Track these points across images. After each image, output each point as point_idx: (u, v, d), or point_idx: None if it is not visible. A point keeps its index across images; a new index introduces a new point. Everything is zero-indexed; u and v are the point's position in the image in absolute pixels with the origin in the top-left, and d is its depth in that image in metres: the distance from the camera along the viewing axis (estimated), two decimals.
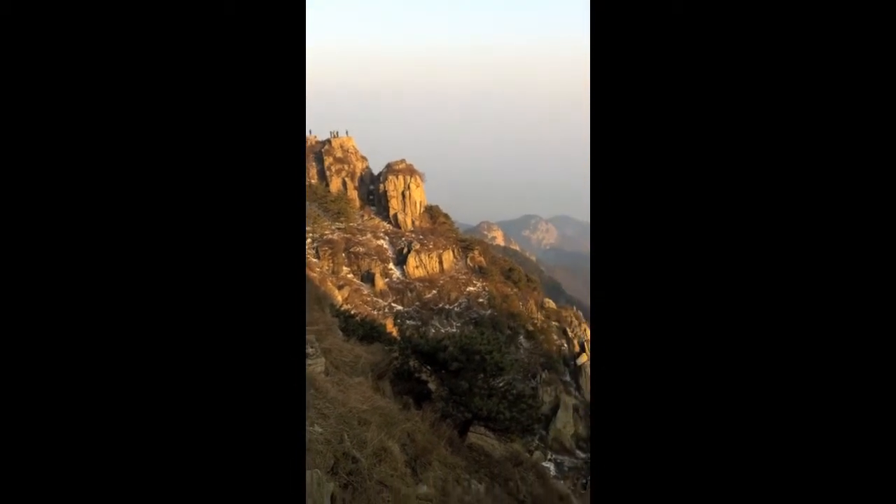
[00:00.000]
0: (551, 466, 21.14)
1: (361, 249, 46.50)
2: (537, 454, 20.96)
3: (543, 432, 25.65)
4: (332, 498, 3.44)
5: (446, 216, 55.27)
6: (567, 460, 24.66)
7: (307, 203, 44.13)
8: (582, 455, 25.54)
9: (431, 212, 54.07)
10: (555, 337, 41.30)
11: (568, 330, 42.07)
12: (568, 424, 27.65)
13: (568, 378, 36.29)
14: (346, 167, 53.04)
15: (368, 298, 41.93)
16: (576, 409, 29.06)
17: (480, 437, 8.74)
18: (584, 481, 22.08)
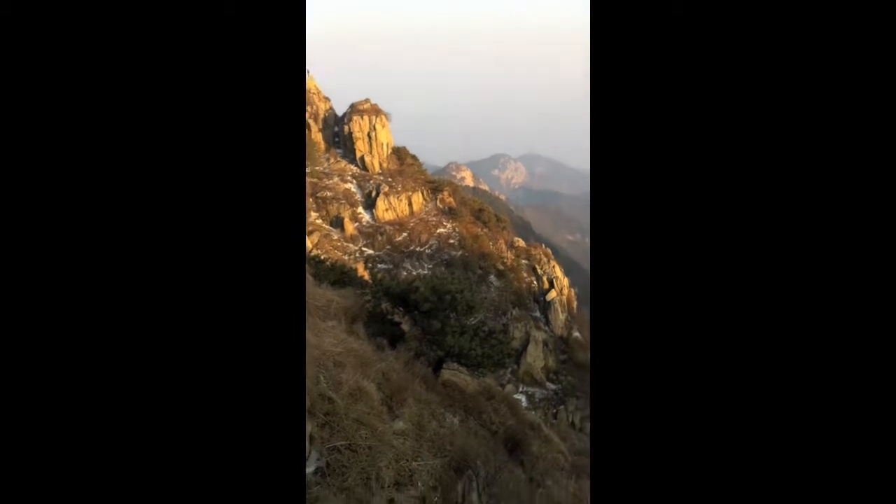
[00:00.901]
0: (523, 398, 21.97)
1: (329, 194, 45.85)
2: (509, 387, 21.74)
3: (515, 366, 26.50)
4: (311, 437, 3.54)
5: (414, 158, 54.54)
6: (538, 392, 25.63)
7: None
8: (552, 386, 26.57)
9: (399, 153, 53.25)
10: (524, 275, 41.99)
11: (537, 267, 42.77)
12: (538, 358, 28.57)
13: (538, 314, 37.21)
14: (308, 108, 51.47)
15: (339, 243, 41.71)
16: (545, 344, 29.98)
17: (454, 373, 8.99)
18: (555, 411, 23.06)
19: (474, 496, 4.52)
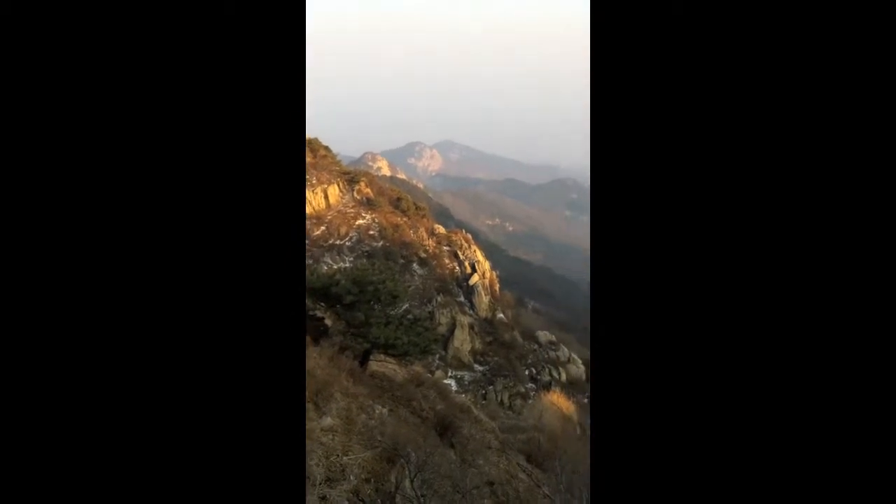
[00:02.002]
0: (452, 382, 22.25)
1: None
2: (438, 373, 21.95)
3: (443, 352, 26.77)
4: None
5: (327, 149, 53.44)
6: (467, 375, 26.06)
7: None
8: (480, 368, 27.08)
9: (311, 145, 51.98)
10: (447, 261, 42.36)
11: (459, 253, 43.25)
12: (465, 342, 29.02)
13: (462, 299, 37.71)
14: None
15: None
16: (471, 327, 30.48)
17: (381, 364, 8.95)
18: (484, 392, 23.54)
19: (407, 483, 4.54)
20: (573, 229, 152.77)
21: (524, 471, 5.09)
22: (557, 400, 18.96)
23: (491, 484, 6.99)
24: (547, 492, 4.67)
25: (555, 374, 27.89)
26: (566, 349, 30.61)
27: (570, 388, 26.48)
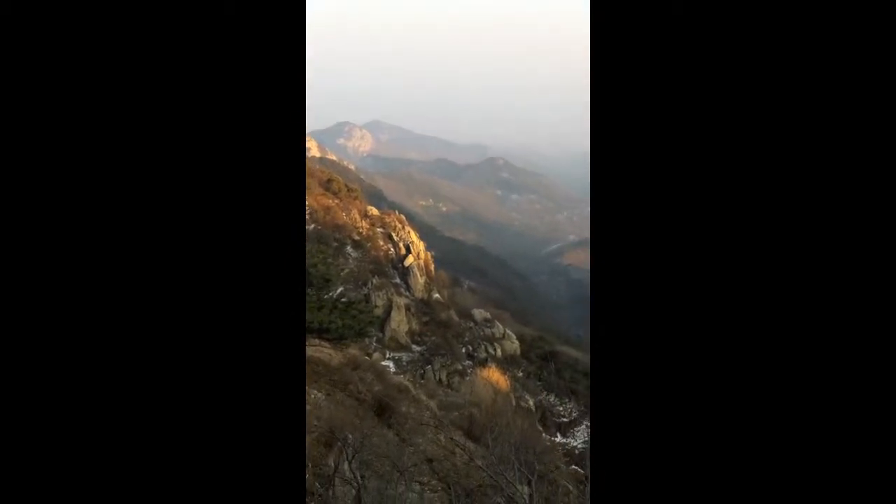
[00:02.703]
0: (390, 364, 22.29)
1: None
2: (376, 355, 21.90)
3: (380, 334, 26.72)
4: None
5: None
6: (405, 356, 26.16)
7: None
8: (417, 348, 27.26)
9: None
10: (381, 243, 42.09)
11: (393, 234, 43.05)
12: (402, 323, 29.07)
13: (398, 280, 37.66)
14: None
15: None
16: (408, 308, 30.55)
17: (317, 348, 8.85)
18: (422, 371, 23.74)
19: (345, 466, 4.54)
20: (505, 208, 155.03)
21: (458, 445, 5.20)
22: (493, 375, 19.41)
23: (430, 461, 7.10)
24: (480, 464, 4.80)
25: (490, 350, 28.45)
26: (501, 326, 31.24)
27: (505, 363, 27.11)
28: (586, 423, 22.00)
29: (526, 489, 4.45)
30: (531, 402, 22.96)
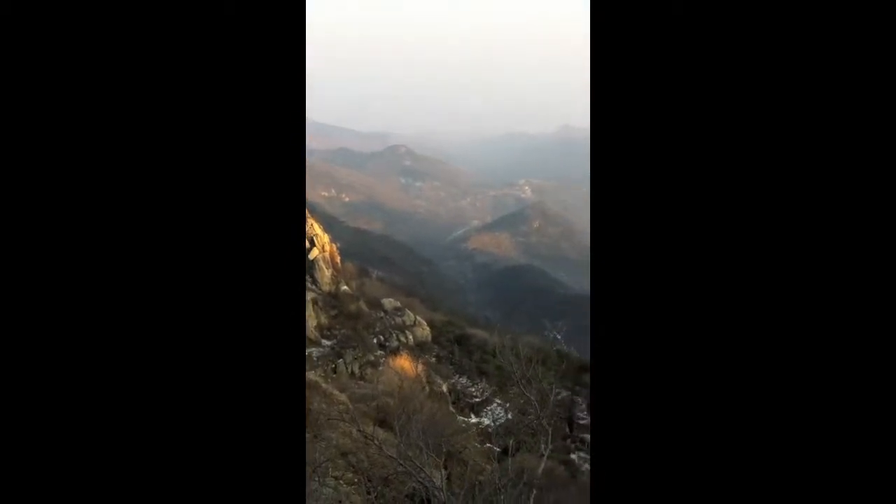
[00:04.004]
0: None
1: None
2: None
3: None
4: None
5: None
6: (315, 351, 25.70)
7: None
8: (328, 342, 26.86)
9: None
10: None
11: None
12: (310, 318, 28.48)
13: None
14: None
15: None
16: (315, 303, 29.97)
17: None
18: (334, 365, 23.46)
19: None
20: (409, 195, 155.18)
21: (367, 436, 5.28)
22: (405, 363, 19.59)
23: (344, 454, 7.11)
24: (391, 452, 4.90)
25: (402, 338, 28.61)
26: (411, 313, 31.45)
27: (417, 350, 27.39)
28: (497, 401, 22.77)
29: (437, 473, 4.60)
30: (444, 387, 23.39)
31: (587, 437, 20.61)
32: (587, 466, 18.25)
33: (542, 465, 4.52)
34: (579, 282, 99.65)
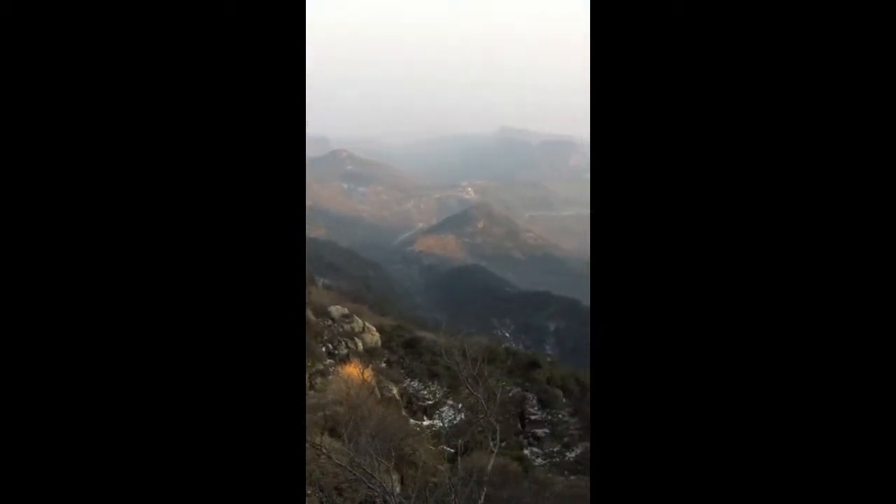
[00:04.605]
0: None
1: None
2: None
3: None
4: None
5: None
6: None
7: None
8: None
9: None
10: None
11: None
12: None
13: None
14: None
15: None
16: None
17: None
18: None
19: None
20: (353, 200, 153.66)
21: (315, 446, 5.22)
22: (355, 370, 19.40)
23: None
24: (341, 461, 4.87)
25: (351, 345, 28.29)
26: (360, 320, 31.14)
27: (367, 356, 27.16)
28: (450, 402, 22.85)
29: (389, 478, 4.60)
30: (395, 391, 23.30)
31: (539, 431, 20.99)
32: (540, 461, 18.58)
33: (492, 463, 4.59)
34: (524, 280, 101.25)
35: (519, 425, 21.34)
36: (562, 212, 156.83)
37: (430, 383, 26.07)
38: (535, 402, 23.01)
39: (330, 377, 22.99)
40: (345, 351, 27.57)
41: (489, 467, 4.53)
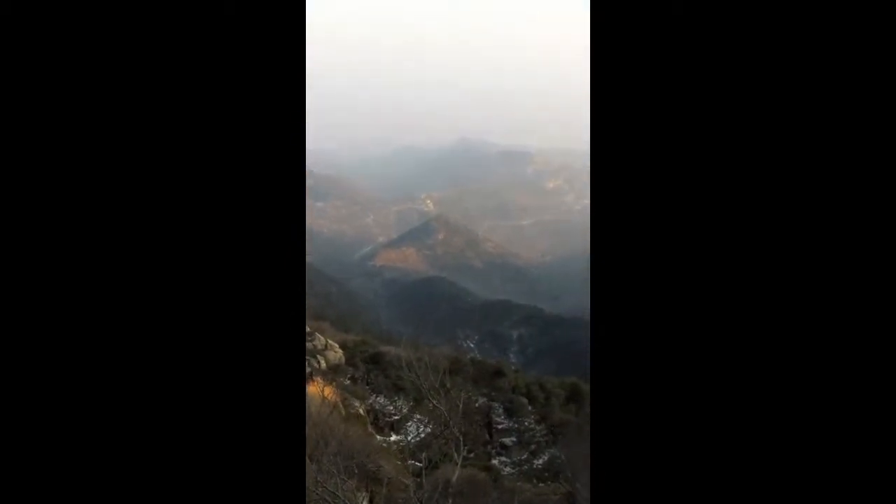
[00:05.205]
0: None
1: None
2: None
3: None
4: None
5: None
6: None
7: None
8: None
9: None
10: None
11: None
12: None
13: None
14: None
15: None
16: None
17: None
18: None
19: None
20: (312, 215, 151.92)
21: None
22: (318, 389, 19.11)
23: None
24: (306, 482, 4.79)
25: (314, 363, 27.87)
26: (322, 337, 30.72)
27: (331, 373, 26.78)
28: (417, 416, 22.72)
29: (358, 495, 4.55)
30: (361, 408, 23.03)
31: (506, 440, 21.05)
32: (508, 469, 18.62)
33: (457, 474, 4.59)
34: (486, 289, 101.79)
35: (487, 435, 21.37)
36: (520, 221, 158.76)
37: (395, 398, 25.87)
38: (501, 410, 23.09)
39: None
40: (308, 369, 27.17)
41: (454, 479, 4.54)
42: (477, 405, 21.21)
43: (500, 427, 22.33)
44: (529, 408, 22.47)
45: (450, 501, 4.31)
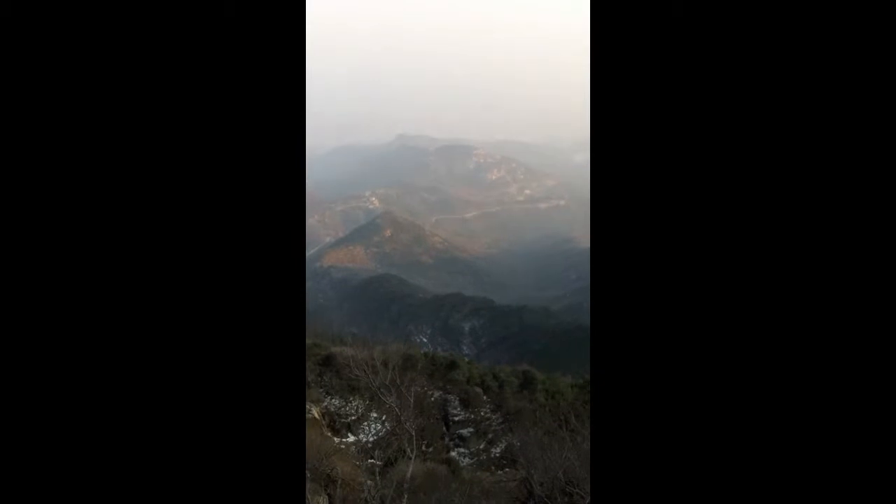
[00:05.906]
0: None
1: None
2: None
3: None
4: None
5: None
6: None
7: None
8: None
9: None
10: None
11: None
12: None
13: None
14: None
15: None
16: None
17: None
18: None
19: None
20: None
21: None
22: None
23: None
24: None
25: None
26: None
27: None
28: (374, 414, 22.62)
29: (318, 498, 4.52)
30: (315, 411, 22.76)
31: (463, 432, 21.25)
32: (467, 460, 18.81)
33: (411, 469, 4.63)
34: (436, 283, 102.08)
35: (444, 428, 21.48)
36: (464, 214, 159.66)
37: (351, 398, 25.67)
38: (457, 403, 23.26)
39: None
40: None
41: (408, 475, 4.57)
42: (433, 399, 21.31)
43: (456, 419, 22.51)
44: (484, 398, 22.75)
45: (405, 497, 4.35)
